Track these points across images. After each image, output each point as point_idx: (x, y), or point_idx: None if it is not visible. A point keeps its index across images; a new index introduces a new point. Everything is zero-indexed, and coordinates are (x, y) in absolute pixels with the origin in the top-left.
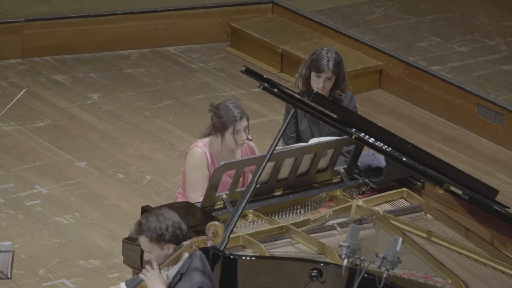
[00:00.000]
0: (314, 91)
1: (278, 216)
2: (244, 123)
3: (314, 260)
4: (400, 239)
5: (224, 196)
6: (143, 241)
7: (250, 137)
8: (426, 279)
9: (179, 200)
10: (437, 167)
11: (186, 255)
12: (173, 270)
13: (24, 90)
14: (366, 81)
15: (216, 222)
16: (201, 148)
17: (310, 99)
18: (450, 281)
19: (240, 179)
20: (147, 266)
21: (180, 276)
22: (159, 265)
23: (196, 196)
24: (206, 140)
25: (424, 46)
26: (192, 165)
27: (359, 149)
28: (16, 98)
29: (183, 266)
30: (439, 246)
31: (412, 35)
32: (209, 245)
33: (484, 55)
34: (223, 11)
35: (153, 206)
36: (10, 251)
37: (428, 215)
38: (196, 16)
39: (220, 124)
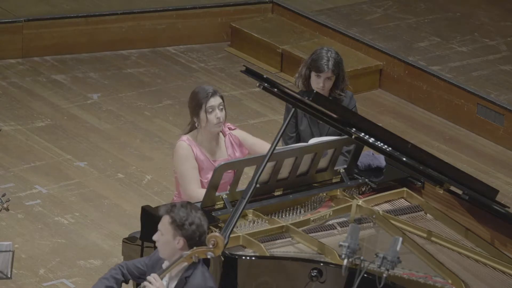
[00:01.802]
0: (314, 91)
1: (278, 216)
2: (217, 99)
3: (314, 260)
4: (400, 239)
5: (224, 196)
6: (165, 220)
7: (233, 127)
8: (426, 279)
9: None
10: (437, 167)
11: (185, 265)
12: (174, 279)
13: None
14: (366, 81)
15: (217, 234)
16: (185, 141)
17: (310, 99)
18: (450, 281)
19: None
20: (151, 279)
21: (185, 279)
22: (169, 267)
23: (193, 187)
24: (188, 134)
25: (424, 46)
26: (180, 158)
27: (359, 149)
28: None
29: (186, 271)
30: (439, 246)
31: (412, 35)
32: (209, 256)
33: (484, 55)
34: (223, 11)
35: (153, 206)
36: (10, 251)
37: (428, 215)
38: (196, 16)
39: (194, 104)
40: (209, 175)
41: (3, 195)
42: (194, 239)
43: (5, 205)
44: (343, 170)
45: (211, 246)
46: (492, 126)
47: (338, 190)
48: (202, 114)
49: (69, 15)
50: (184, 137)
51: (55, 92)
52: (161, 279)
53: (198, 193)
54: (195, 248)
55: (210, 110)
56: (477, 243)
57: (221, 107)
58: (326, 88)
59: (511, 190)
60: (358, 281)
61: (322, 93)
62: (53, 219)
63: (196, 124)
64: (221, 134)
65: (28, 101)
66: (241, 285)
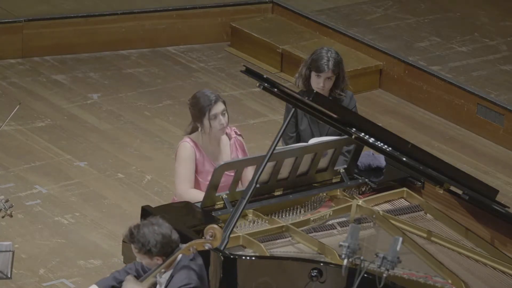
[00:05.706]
0: (314, 91)
1: (278, 216)
2: (220, 106)
3: (314, 260)
4: (400, 239)
5: (224, 196)
6: (133, 249)
7: (239, 132)
8: (426, 279)
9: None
10: (437, 167)
11: (179, 257)
12: (167, 274)
13: (17, 108)
14: (366, 81)
15: (215, 225)
16: (189, 142)
17: (310, 99)
18: (450, 281)
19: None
20: (125, 281)
21: (171, 277)
22: (155, 269)
23: (184, 188)
24: (192, 135)
25: (424, 46)
26: (181, 158)
27: (359, 149)
28: (11, 114)
29: (175, 268)
30: (439, 246)
31: (412, 35)
32: (207, 248)
33: (484, 55)
34: (223, 11)
35: (153, 206)
36: (10, 251)
37: (428, 214)
38: (196, 16)
39: (197, 111)
40: None
41: (6, 201)
42: (167, 251)
43: (8, 212)
44: (343, 170)
45: (209, 237)
46: (492, 126)
47: (338, 190)
48: (206, 121)
49: (69, 15)
50: (188, 139)
51: (55, 92)
52: (156, 274)
53: (188, 193)
54: (192, 241)
55: (214, 117)
56: (477, 243)
57: (224, 112)
58: (326, 88)
59: (511, 190)
60: (358, 281)
61: (322, 93)
62: (53, 219)
63: (199, 129)
64: (226, 137)
65: (28, 101)
66: (241, 285)
